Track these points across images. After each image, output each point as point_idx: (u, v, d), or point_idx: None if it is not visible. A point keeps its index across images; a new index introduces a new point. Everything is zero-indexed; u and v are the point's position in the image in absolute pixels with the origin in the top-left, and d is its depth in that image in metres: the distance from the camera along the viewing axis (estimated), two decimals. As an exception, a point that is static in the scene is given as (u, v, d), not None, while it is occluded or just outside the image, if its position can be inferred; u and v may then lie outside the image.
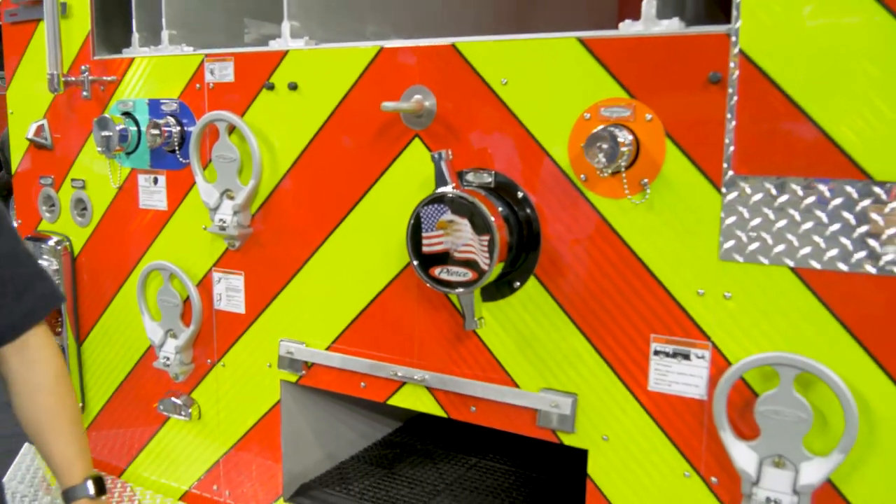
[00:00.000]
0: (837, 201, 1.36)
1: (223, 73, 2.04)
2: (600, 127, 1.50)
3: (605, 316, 1.60)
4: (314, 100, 1.90)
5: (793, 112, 1.37)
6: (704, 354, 1.52)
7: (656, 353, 1.56)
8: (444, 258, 1.63)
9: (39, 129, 2.43)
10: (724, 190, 1.45)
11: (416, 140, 1.78)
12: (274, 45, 1.96)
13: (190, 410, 2.26)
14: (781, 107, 1.38)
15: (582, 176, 1.58)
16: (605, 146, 1.47)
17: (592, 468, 1.67)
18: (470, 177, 1.71)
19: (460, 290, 1.63)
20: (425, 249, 1.65)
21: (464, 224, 1.60)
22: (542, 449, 1.69)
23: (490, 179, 1.69)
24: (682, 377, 1.55)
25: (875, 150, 1.32)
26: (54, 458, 1.45)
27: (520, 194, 1.66)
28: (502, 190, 1.68)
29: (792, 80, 1.37)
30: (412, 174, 1.78)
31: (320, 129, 1.90)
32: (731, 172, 1.44)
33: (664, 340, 1.55)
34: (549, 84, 1.60)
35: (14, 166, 2.54)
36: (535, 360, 1.70)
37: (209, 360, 2.22)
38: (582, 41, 1.55)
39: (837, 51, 1.33)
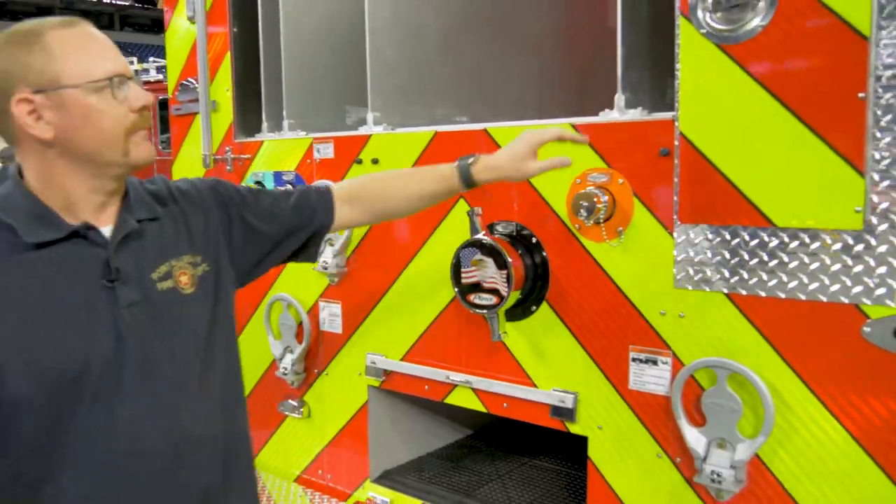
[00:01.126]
0: (754, 242, 1.81)
1: (326, 151, 2.72)
2: (580, 192, 2.02)
3: (596, 331, 2.10)
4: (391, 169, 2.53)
5: (717, 176, 1.85)
6: (667, 360, 1.98)
7: (634, 359, 2.04)
8: (476, 287, 2.19)
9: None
10: (675, 235, 1.93)
11: (461, 199, 2.36)
12: (362, 131, 2.62)
13: (302, 410, 2.91)
14: (709, 172, 1.86)
15: (576, 226, 2.11)
16: (584, 205, 1.99)
17: (592, 451, 2.15)
18: (500, 227, 2.27)
19: (487, 311, 2.18)
20: (463, 280, 2.22)
21: (489, 262, 2.16)
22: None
23: (512, 229, 2.24)
24: (652, 378, 2.02)
25: (777, 203, 1.78)
26: (422, 175, 1.81)
27: (534, 240, 2.20)
28: (522, 237, 2.22)
29: (715, 152, 1.85)
30: (458, 225, 2.36)
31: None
32: (678, 221, 1.92)
33: (639, 350, 2.03)
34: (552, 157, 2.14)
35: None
36: (548, 366, 2.21)
37: (316, 370, 2.86)
38: (574, 125, 2.10)
39: (747, 130, 1.80)
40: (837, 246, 1.70)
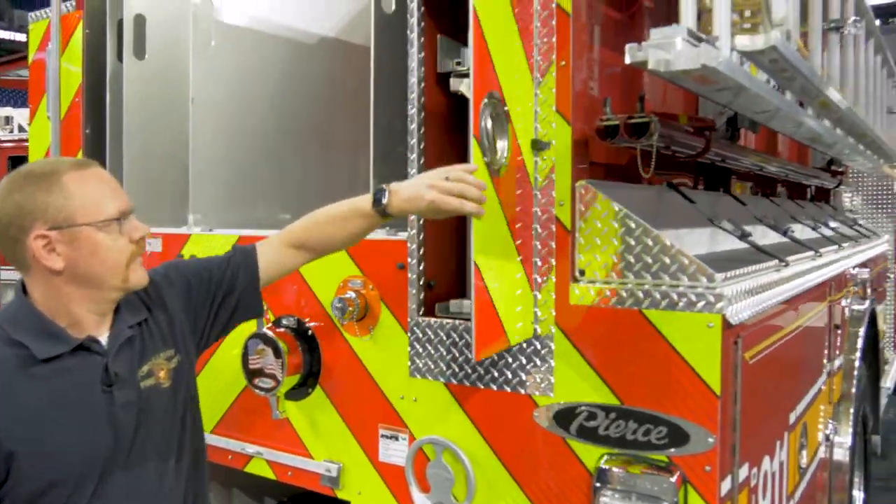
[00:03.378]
0: (462, 342, 2.26)
1: (155, 245, 3.09)
2: (338, 295, 2.45)
3: (355, 411, 2.51)
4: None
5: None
6: (405, 437, 2.40)
7: (382, 435, 2.45)
8: (260, 372, 2.58)
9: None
10: (409, 333, 2.36)
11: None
12: (183, 229, 3.01)
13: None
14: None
15: (341, 322, 2.53)
16: (339, 306, 2.42)
17: (353, 514, 2.54)
18: (284, 321, 2.68)
19: (267, 393, 2.56)
20: (250, 366, 2.60)
21: (269, 351, 2.55)
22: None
23: (294, 322, 2.65)
24: (395, 451, 2.43)
25: (476, 312, 2.23)
26: (342, 213, 1.92)
27: (310, 333, 2.61)
28: (301, 330, 2.63)
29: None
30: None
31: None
32: (412, 322, 2.36)
33: (386, 427, 2.45)
34: (322, 263, 2.56)
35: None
36: (321, 439, 2.60)
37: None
38: (339, 239, 2.53)
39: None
40: (517, 347, 2.16)
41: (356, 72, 3.49)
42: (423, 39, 2.33)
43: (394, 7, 2.53)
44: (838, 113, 2.88)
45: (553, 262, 2.10)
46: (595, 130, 2.12)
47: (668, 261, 1.95)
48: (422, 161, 2.34)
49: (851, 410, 3.56)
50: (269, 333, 2.56)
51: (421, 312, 2.35)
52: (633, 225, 1.99)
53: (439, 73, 2.39)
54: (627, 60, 1.72)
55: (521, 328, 2.12)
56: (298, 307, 2.66)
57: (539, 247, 2.11)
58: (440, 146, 2.41)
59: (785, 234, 3.03)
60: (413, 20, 2.32)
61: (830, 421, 3.37)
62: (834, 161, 5.30)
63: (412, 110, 2.33)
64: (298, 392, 2.63)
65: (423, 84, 2.34)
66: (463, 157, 2.49)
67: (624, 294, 1.99)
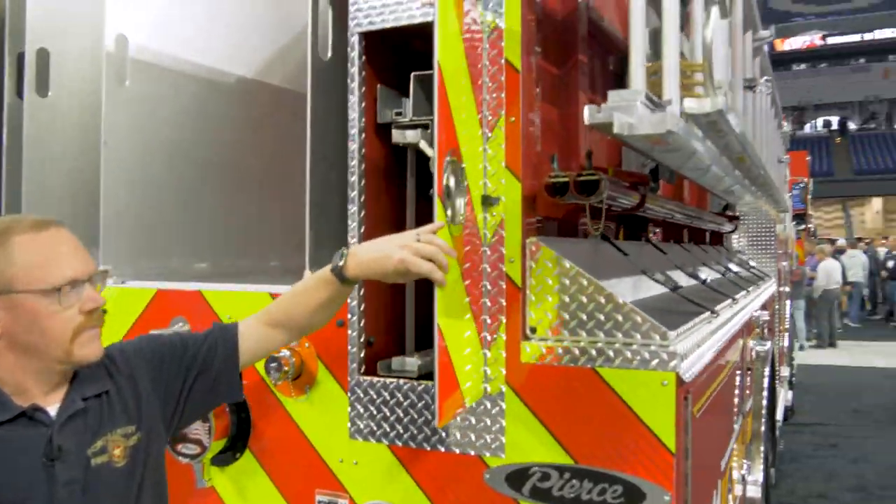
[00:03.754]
0: (406, 402, 2.18)
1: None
2: (273, 354, 2.32)
3: (291, 477, 2.38)
4: (116, 323, 2.70)
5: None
6: (345, 502, 2.28)
7: (319, 502, 2.33)
8: (183, 438, 2.40)
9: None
10: (349, 393, 2.26)
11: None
12: (93, 282, 2.79)
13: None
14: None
15: (276, 382, 2.39)
16: (273, 365, 2.29)
17: (287, 585, 2.38)
18: (210, 379, 2.51)
19: (192, 460, 2.39)
20: (172, 432, 2.42)
21: (195, 415, 2.38)
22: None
23: (221, 382, 2.49)
24: (334, 518, 2.31)
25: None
26: (311, 284, 1.82)
27: (238, 393, 2.46)
28: (228, 389, 2.47)
29: (379, 327, 2.22)
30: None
31: (120, 342, 2.70)
32: (353, 381, 2.26)
33: (323, 493, 2.32)
34: (253, 320, 2.43)
35: None
36: (250, 508, 2.44)
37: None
38: (272, 294, 2.41)
39: (400, 310, 2.19)
40: (465, 407, 2.10)
41: (275, 115, 3.40)
42: (363, 89, 2.27)
43: (330, 54, 2.46)
44: (750, 166, 3.03)
45: (503, 319, 2.07)
46: (544, 187, 2.11)
47: (620, 318, 1.95)
48: (362, 214, 2.27)
49: (762, 448, 3.70)
50: (195, 395, 2.39)
51: (362, 371, 2.26)
52: (584, 282, 1.99)
53: (378, 123, 2.34)
54: (587, 121, 1.73)
55: (470, 388, 2.06)
56: (225, 365, 2.50)
57: (489, 304, 2.08)
58: (380, 197, 2.35)
59: (704, 282, 3.13)
60: (354, 69, 2.27)
61: (745, 461, 3.48)
62: (729, 206, 5.60)
63: (353, 162, 2.27)
64: (226, 457, 2.46)
65: (363, 135, 2.28)
66: (402, 208, 2.45)
67: (577, 352, 1.98)
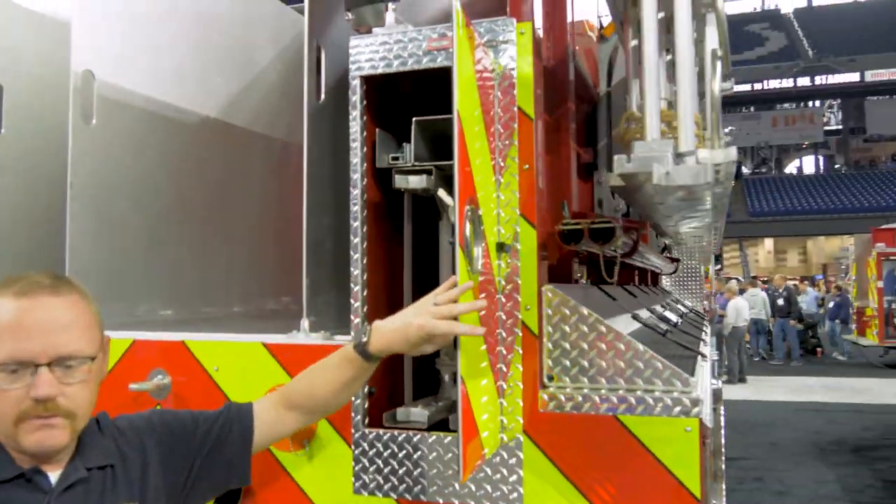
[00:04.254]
0: (417, 455, 2.11)
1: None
2: (271, 406, 2.21)
3: (285, 537, 2.25)
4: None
5: (386, 398, 2.15)
6: (348, 562, 2.18)
7: (319, 562, 2.21)
8: (168, 500, 2.24)
9: None
10: (353, 447, 2.18)
11: (158, 407, 2.43)
12: (56, 333, 2.60)
13: None
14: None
15: (267, 436, 2.28)
16: (272, 420, 2.18)
17: None
18: (194, 436, 2.36)
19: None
20: (155, 494, 2.26)
21: (182, 475, 2.23)
22: None
23: (207, 438, 2.35)
24: (335, 580, 2.19)
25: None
26: (332, 362, 1.73)
27: (227, 449, 2.32)
28: (215, 446, 2.33)
29: (385, 377, 2.15)
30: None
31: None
32: (357, 434, 2.17)
33: (324, 553, 2.21)
34: (246, 372, 2.31)
35: None
36: (240, 573, 2.29)
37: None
38: (265, 343, 2.30)
39: (409, 360, 2.13)
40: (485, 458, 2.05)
41: (240, 157, 3.31)
42: (364, 134, 2.23)
43: (322, 97, 2.42)
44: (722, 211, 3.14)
45: (519, 367, 2.04)
46: (557, 234, 2.12)
47: (641, 365, 1.96)
48: (364, 260, 2.21)
49: (723, 486, 3.77)
50: (183, 454, 2.24)
51: (366, 423, 2.18)
52: (603, 329, 2.00)
53: (377, 168, 2.29)
54: (616, 171, 1.75)
55: (488, 437, 2.02)
56: (211, 420, 2.36)
57: (504, 352, 2.05)
58: (381, 243, 2.30)
59: (675, 325, 3.20)
60: (355, 113, 2.22)
61: (714, 501, 3.54)
62: (667, 247, 5.78)
63: (355, 207, 2.21)
64: (213, 519, 2.32)
65: (365, 180, 2.23)
66: (400, 251, 2.40)
67: (597, 399, 1.97)
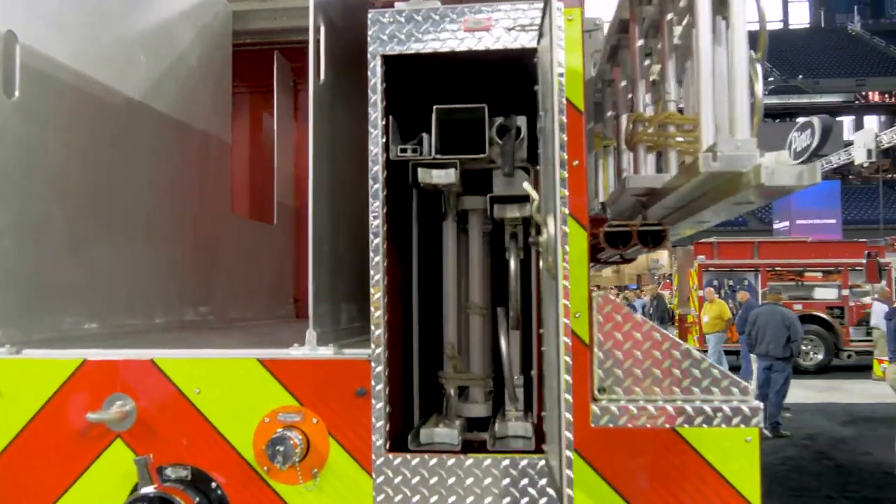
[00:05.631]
0: (452, 481, 1.89)
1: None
2: (279, 432, 1.90)
3: (288, 584, 1.94)
4: (15, 407, 2.04)
5: (416, 418, 1.91)
6: None
7: None
8: (146, 554, 1.86)
9: None
10: (374, 475, 1.92)
11: (117, 439, 2.02)
12: (-24, 352, 2.10)
13: None
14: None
15: (265, 468, 1.96)
16: (281, 450, 1.87)
17: None
18: (169, 472, 1.99)
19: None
20: (130, 546, 1.87)
21: (165, 521, 1.86)
22: None
23: (186, 473, 1.98)
24: None
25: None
26: None
27: (213, 485, 1.97)
28: (199, 482, 1.97)
29: (414, 395, 1.92)
30: (110, 473, 2.00)
31: (19, 433, 2.05)
32: (379, 460, 1.92)
33: None
34: (237, 394, 1.98)
35: None
36: None
37: None
38: (261, 360, 1.98)
39: (441, 374, 1.91)
40: (524, 480, 1.87)
41: (167, 146, 2.93)
42: (384, 122, 1.99)
43: (322, 77, 2.13)
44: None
45: (568, 379, 1.88)
46: (603, 236, 1.99)
47: (699, 374, 1.88)
48: (385, 263, 1.96)
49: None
50: (165, 494, 1.87)
51: (388, 448, 1.93)
52: (658, 336, 1.89)
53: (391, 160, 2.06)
54: (701, 169, 1.65)
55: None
56: (190, 451, 2.00)
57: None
58: (393, 243, 2.06)
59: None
60: (375, 97, 1.98)
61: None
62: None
63: (375, 203, 1.96)
64: (195, 570, 1.95)
65: (385, 173, 1.99)
66: (409, 252, 2.18)
67: (653, 411, 1.86)
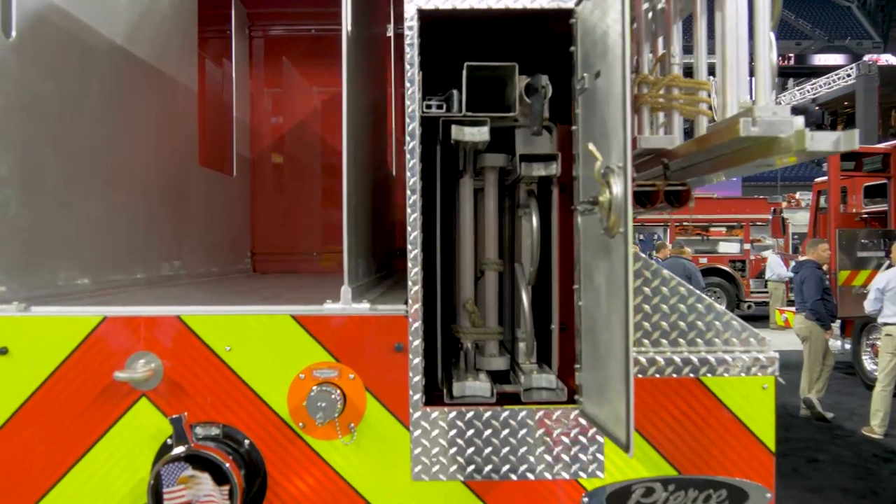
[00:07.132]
0: (488, 432, 1.95)
1: None
2: (316, 388, 1.90)
3: (326, 536, 1.97)
4: (29, 366, 1.95)
5: (454, 372, 1.95)
6: (406, 555, 1.97)
7: (371, 560, 1.97)
8: (186, 510, 1.84)
9: None
10: (412, 429, 1.95)
11: (143, 397, 1.97)
12: (-22, 310, 1.98)
13: None
14: (447, 369, 1.95)
15: (301, 424, 1.96)
16: (321, 404, 1.88)
17: None
18: (199, 430, 1.96)
19: (201, 540, 1.85)
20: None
21: (204, 478, 1.84)
22: None
23: (217, 431, 1.96)
24: (391, 576, 1.97)
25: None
26: None
27: (247, 443, 1.96)
28: (231, 441, 1.96)
29: (451, 349, 1.95)
30: (135, 428, 1.96)
31: (33, 394, 1.96)
32: (417, 414, 1.95)
33: (376, 549, 1.97)
34: (270, 352, 1.96)
35: None
36: (266, 584, 1.97)
37: None
38: (295, 316, 1.97)
39: (478, 329, 1.95)
40: (560, 429, 1.95)
41: (146, 93, 2.81)
42: (420, 76, 1.98)
43: (350, 27, 2.09)
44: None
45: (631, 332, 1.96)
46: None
47: (721, 326, 1.99)
48: (421, 220, 1.97)
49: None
50: (207, 453, 1.84)
51: (424, 402, 1.97)
52: (684, 291, 1.99)
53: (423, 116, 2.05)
54: (742, 133, 1.74)
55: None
56: (220, 408, 1.97)
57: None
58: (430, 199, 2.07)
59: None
60: (412, 52, 1.96)
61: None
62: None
63: (412, 161, 1.96)
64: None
65: (420, 130, 1.98)
66: (433, 210, 2.19)
67: (679, 362, 1.96)
